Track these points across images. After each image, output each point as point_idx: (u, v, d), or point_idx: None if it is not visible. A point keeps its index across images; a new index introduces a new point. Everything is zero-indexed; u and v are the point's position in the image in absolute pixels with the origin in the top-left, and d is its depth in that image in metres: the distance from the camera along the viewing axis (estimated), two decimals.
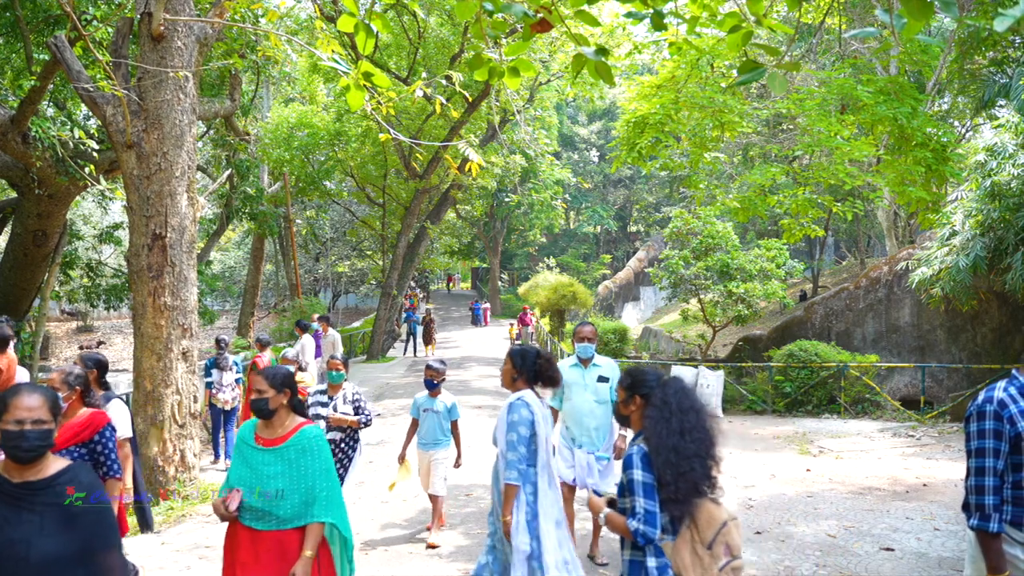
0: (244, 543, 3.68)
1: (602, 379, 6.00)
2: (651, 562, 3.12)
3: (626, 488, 3.16)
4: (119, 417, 4.85)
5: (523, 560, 4.21)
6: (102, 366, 5.13)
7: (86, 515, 2.70)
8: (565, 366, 5.96)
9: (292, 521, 3.64)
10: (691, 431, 3.11)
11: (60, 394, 4.22)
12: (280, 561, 3.63)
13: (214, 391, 10.43)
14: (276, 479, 3.66)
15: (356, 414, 6.32)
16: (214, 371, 10.48)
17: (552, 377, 4.56)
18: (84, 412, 4.34)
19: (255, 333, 21.12)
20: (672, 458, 3.05)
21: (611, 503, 3.32)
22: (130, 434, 5.04)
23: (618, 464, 5.28)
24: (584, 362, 6.08)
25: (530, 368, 4.48)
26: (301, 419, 3.83)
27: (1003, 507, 3.14)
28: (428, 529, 6.92)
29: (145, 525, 5.70)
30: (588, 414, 5.95)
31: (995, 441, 3.14)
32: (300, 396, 3.94)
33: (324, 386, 6.53)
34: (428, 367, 6.74)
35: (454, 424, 6.85)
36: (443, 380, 6.76)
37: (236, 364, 10.67)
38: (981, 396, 3.27)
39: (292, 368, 8.06)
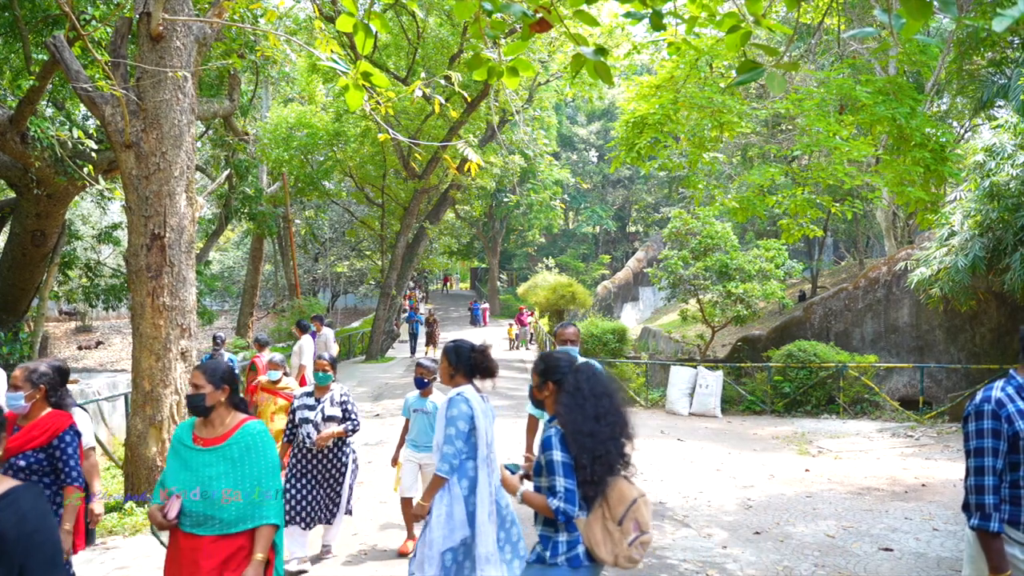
0: (185, 551, 3.44)
1: None
2: (562, 536, 3.26)
3: (544, 468, 3.27)
4: (82, 426, 4.45)
5: (432, 554, 4.31)
6: (63, 373, 4.53)
7: (17, 544, 2.26)
8: None
9: (237, 524, 3.42)
10: (605, 415, 3.25)
11: (23, 392, 4.03)
12: (224, 568, 3.38)
13: None
14: (219, 480, 3.43)
15: (344, 416, 6.13)
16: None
17: (488, 368, 4.61)
18: (46, 413, 4.08)
19: (254, 333, 21.12)
20: (588, 442, 3.19)
21: (525, 478, 3.49)
22: (93, 444, 4.66)
23: None
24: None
25: (466, 362, 4.55)
26: (242, 415, 3.62)
27: (1002, 506, 3.13)
28: (413, 540, 6.32)
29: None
30: None
31: (993, 440, 3.14)
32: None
33: (311, 388, 6.32)
34: (419, 365, 6.43)
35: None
36: (434, 379, 6.28)
37: (232, 361, 10.80)
38: (979, 395, 3.27)
39: (278, 374, 7.93)
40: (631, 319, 35.10)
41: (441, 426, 4.47)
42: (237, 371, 11.39)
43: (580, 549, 3.24)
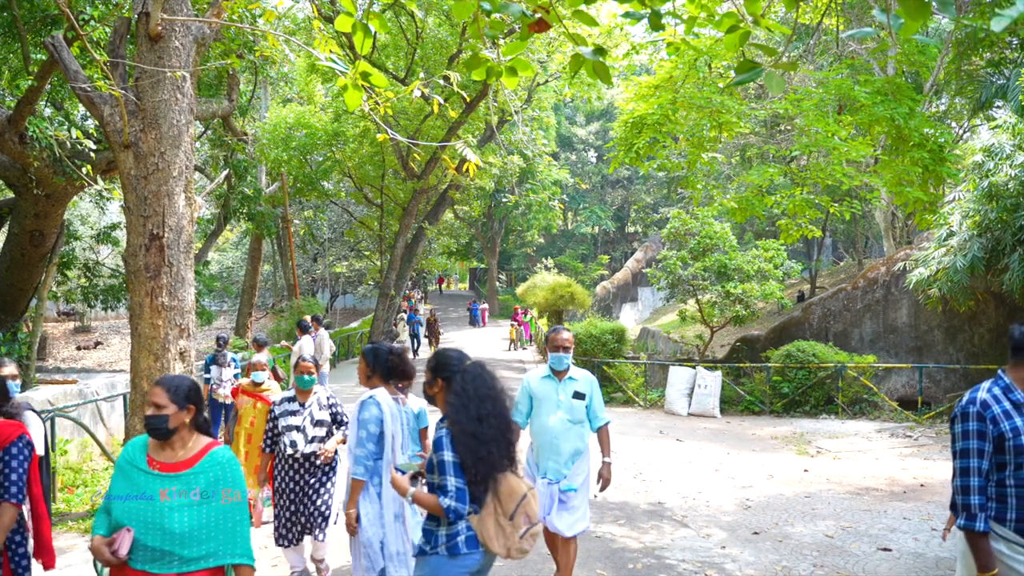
0: None
1: (578, 395, 5.23)
2: (442, 530, 3.41)
3: (436, 467, 3.39)
4: (35, 434, 4.08)
5: (375, 552, 4.44)
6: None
7: None
8: (535, 378, 5.34)
9: (199, 562, 3.04)
10: (488, 418, 3.37)
11: None
12: None
13: (213, 386, 10.71)
14: (180, 512, 3.03)
15: (335, 421, 5.74)
16: (213, 367, 10.79)
17: (404, 372, 4.74)
18: None
19: (253, 333, 21.10)
20: (472, 443, 3.32)
21: (415, 477, 3.57)
22: (41, 453, 4.38)
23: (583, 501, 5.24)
24: (558, 375, 5.29)
25: (383, 365, 4.64)
26: (208, 439, 3.24)
27: (988, 505, 3.20)
28: None
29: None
30: (560, 436, 5.17)
31: (979, 441, 3.21)
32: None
33: (292, 392, 5.84)
34: None
35: (423, 432, 5.92)
36: (410, 385, 5.93)
37: (235, 360, 10.90)
38: (965, 397, 3.36)
39: (263, 375, 7.51)
40: (630, 319, 35.10)
41: (353, 429, 4.58)
42: (240, 371, 11.32)
43: (460, 539, 3.38)
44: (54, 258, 14.76)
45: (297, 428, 5.60)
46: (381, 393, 4.59)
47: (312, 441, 5.58)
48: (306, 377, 5.80)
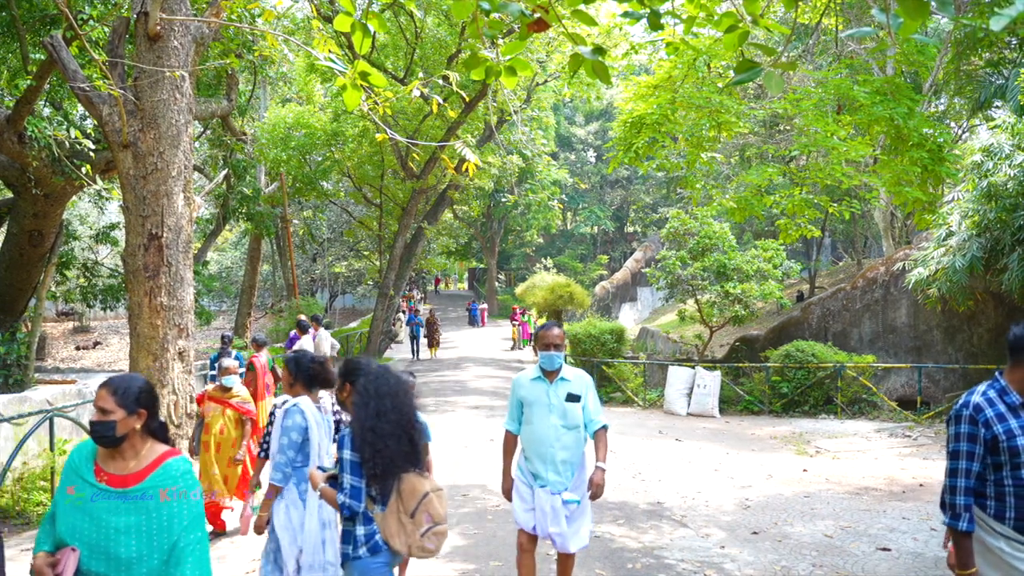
0: None
1: (572, 397, 4.82)
2: (360, 530, 3.55)
3: (338, 466, 3.55)
4: None
5: (283, 558, 4.48)
6: None
7: None
8: (525, 380, 4.94)
9: None
10: (386, 413, 3.47)
11: None
12: None
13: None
14: (128, 534, 2.72)
15: (339, 431, 5.17)
16: (218, 365, 10.80)
17: (326, 379, 4.73)
18: None
19: (252, 333, 21.09)
20: (370, 437, 3.43)
21: (333, 477, 3.65)
22: None
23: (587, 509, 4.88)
24: (549, 375, 4.87)
25: (305, 373, 4.65)
26: (163, 447, 2.93)
27: (973, 508, 3.31)
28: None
29: None
30: (554, 443, 4.75)
31: (969, 444, 3.31)
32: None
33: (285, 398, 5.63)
34: None
35: (424, 447, 5.90)
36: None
37: (239, 359, 11.06)
38: (960, 400, 3.44)
39: (233, 380, 7.09)
40: (629, 319, 35.10)
41: (276, 436, 4.60)
42: (243, 370, 11.29)
43: (378, 537, 3.54)
44: (53, 258, 14.76)
45: None
46: (304, 401, 4.61)
47: None
48: None
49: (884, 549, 6.51)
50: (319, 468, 3.87)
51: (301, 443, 4.55)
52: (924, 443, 11.60)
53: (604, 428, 4.87)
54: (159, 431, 2.95)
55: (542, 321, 28.89)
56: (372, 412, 3.46)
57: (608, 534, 6.99)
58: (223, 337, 11.61)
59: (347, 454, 3.49)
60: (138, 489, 2.77)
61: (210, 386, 7.43)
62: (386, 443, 3.44)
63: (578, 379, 4.90)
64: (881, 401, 14.62)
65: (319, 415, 4.66)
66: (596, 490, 4.68)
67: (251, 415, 7.14)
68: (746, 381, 16.02)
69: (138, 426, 2.85)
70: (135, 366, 8.17)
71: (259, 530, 4.55)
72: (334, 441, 4.79)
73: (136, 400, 2.84)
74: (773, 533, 7.02)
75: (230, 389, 7.07)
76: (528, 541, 4.83)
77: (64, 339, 36.25)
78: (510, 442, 5.03)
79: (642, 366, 17.84)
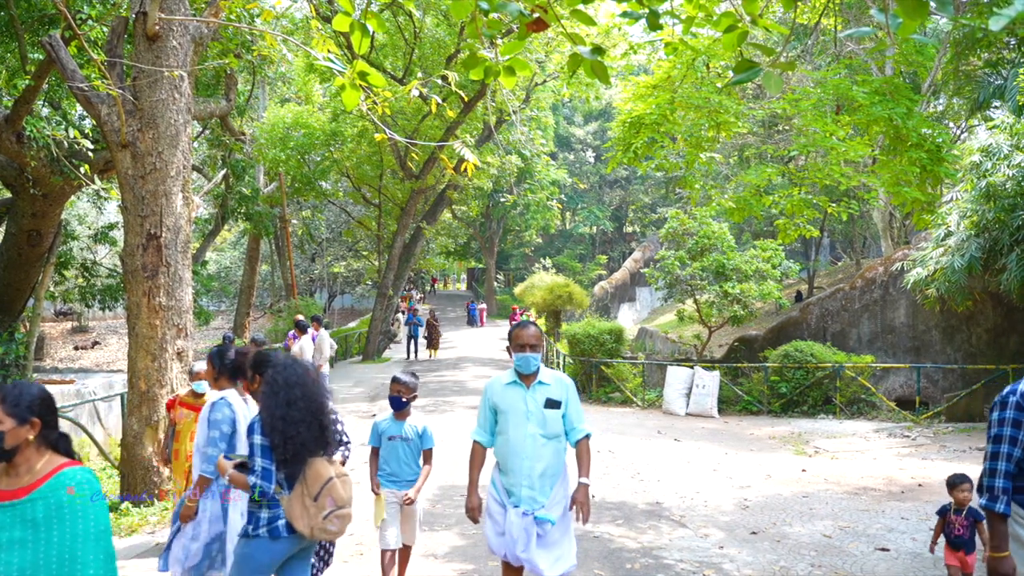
0: None
1: (551, 403, 4.32)
2: (264, 513, 3.70)
3: (249, 451, 3.71)
4: None
5: (195, 548, 4.55)
6: None
7: None
8: (498, 385, 4.48)
9: None
10: (296, 402, 3.62)
11: None
12: None
13: None
14: (11, 550, 2.50)
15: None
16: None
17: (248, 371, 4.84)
18: None
19: (250, 333, 21.09)
20: (280, 424, 3.58)
21: (241, 465, 3.78)
22: None
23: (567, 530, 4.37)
24: (525, 379, 4.39)
25: (229, 367, 4.68)
26: (62, 459, 2.68)
27: (1011, 491, 3.34)
28: None
29: None
30: (531, 455, 4.26)
31: (1013, 429, 3.34)
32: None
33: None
34: (395, 380, 5.22)
35: (427, 453, 5.27)
36: (415, 397, 5.26)
37: None
38: (1008, 387, 3.48)
39: (203, 385, 6.40)
40: (628, 319, 35.12)
41: (204, 428, 4.63)
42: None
43: (280, 523, 3.67)
44: (51, 258, 14.75)
45: None
46: (231, 394, 4.63)
47: None
48: None
49: (883, 549, 6.51)
50: (225, 457, 4.00)
51: (230, 435, 4.59)
52: (923, 443, 11.60)
53: (587, 437, 4.41)
54: (60, 443, 2.71)
55: (541, 321, 28.85)
56: (282, 401, 3.61)
57: (607, 534, 6.99)
58: (225, 337, 11.61)
59: (257, 439, 3.65)
60: (25, 502, 2.55)
61: (182, 391, 7.09)
62: (297, 429, 3.59)
63: (558, 383, 4.41)
64: (880, 401, 14.63)
65: (246, 408, 4.68)
66: (581, 511, 4.19)
67: None
68: (745, 381, 16.03)
69: (31, 437, 2.61)
70: (134, 366, 8.17)
71: (185, 519, 4.60)
72: None
73: (28, 408, 2.62)
74: (772, 533, 7.02)
75: (202, 395, 6.51)
76: (511, 571, 4.38)
77: (63, 339, 36.24)
78: (478, 455, 4.52)
79: (641, 366, 17.84)
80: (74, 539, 2.53)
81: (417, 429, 5.23)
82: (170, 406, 6.85)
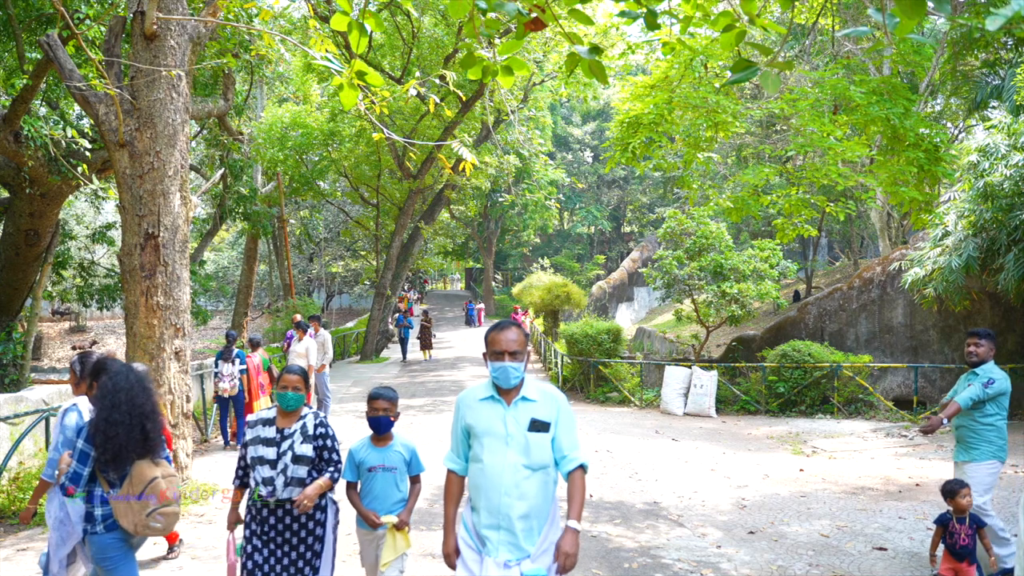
0: None
1: (538, 425, 3.43)
2: (98, 511, 4.08)
3: (73, 453, 4.11)
4: None
5: (61, 554, 4.56)
6: None
7: None
8: (471, 400, 3.57)
9: None
10: (119, 406, 3.99)
11: None
12: None
13: (217, 381, 11.28)
14: None
15: (319, 457, 4.27)
16: (220, 362, 11.33)
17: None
18: None
19: (248, 333, 21.08)
20: (103, 427, 3.96)
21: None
22: None
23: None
24: (505, 395, 3.50)
25: (89, 374, 4.70)
26: None
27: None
28: None
29: None
30: (511, 490, 3.37)
31: None
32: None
33: (270, 414, 4.34)
34: (376, 397, 4.44)
35: (414, 480, 4.53)
36: (397, 416, 4.50)
37: (240, 356, 11.38)
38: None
39: None
40: (626, 319, 35.14)
41: (56, 434, 4.59)
42: (244, 367, 11.48)
43: (111, 521, 4.07)
44: (49, 257, 14.73)
45: (271, 463, 4.18)
46: (83, 401, 4.59)
47: (291, 483, 4.16)
48: (290, 394, 4.25)
49: (880, 548, 6.52)
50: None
51: (74, 440, 4.61)
52: (921, 443, 11.61)
53: (582, 468, 3.47)
54: None
55: (539, 321, 28.73)
56: (108, 405, 3.98)
57: (605, 534, 6.99)
58: (228, 335, 11.81)
59: (80, 444, 4.08)
60: None
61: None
62: (117, 431, 3.94)
63: (546, 399, 3.51)
64: (877, 401, 14.65)
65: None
66: (565, 562, 3.29)
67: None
68: (743, 381, 16.04)
69: None
70: None
71: (25, 520, 4.66)
72: None
73: None
74: (769, 532, 7.03)
75: None
76: None
77: (60, 339, 36.20)
78: (454, 485, 3.63)
79: (639, 366, 17.85)
80: None
81: (404, 455, 4.45)
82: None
